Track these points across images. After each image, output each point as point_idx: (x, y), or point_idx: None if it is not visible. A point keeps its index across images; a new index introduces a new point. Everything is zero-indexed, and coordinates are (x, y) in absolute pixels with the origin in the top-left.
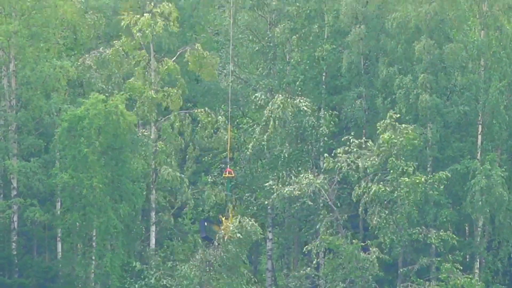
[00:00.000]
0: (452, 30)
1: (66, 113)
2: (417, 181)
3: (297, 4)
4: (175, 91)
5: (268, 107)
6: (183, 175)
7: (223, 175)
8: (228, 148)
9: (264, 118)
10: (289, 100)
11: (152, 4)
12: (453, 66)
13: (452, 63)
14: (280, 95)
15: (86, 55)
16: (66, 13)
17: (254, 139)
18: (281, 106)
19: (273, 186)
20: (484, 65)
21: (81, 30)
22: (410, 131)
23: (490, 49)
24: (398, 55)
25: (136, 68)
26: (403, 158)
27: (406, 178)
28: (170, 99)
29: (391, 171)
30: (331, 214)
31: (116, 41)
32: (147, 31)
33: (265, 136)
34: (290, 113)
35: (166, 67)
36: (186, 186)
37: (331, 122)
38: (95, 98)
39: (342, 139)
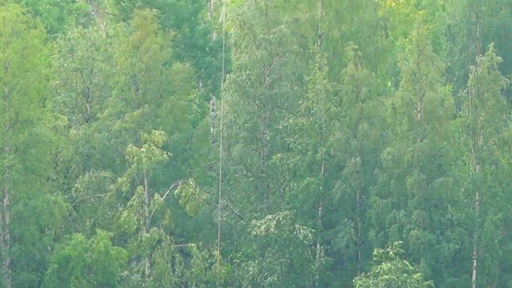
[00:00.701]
0: (445, 165)
1: (53, 255)
2: None
3: (292, 138)
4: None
5: (263, 220)
6: None
7: None
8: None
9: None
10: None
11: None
12: (447, 201)
13: (444, 197)
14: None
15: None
16: (62, 149)
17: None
18: (278, 222)
19: None
20: (479, 200)
21: (74, 167)
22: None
23: (486, 183)
24: (391, 189)
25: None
26: None
27: None
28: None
29: None
30: None
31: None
32: (144, 163)
33: (263, 263)
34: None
35: (156, 206)
36: None
37: (325, 258)
38: (75, 239)
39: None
